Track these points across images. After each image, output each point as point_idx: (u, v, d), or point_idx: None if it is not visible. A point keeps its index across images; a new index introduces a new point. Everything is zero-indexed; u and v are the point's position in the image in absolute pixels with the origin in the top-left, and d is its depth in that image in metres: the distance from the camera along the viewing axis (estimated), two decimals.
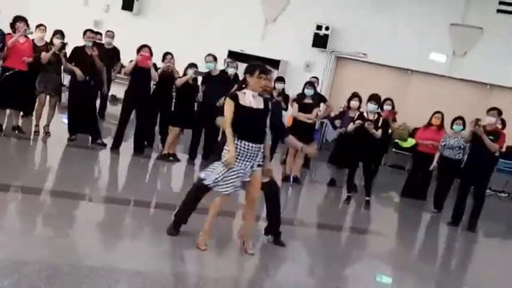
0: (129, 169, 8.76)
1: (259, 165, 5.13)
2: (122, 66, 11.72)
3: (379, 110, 8.66)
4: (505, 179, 11.77)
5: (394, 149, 12.52)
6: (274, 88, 9.27)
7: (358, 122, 8.32)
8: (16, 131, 8.83)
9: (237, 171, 4.99)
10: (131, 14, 16.14)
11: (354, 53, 14.40)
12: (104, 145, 9.11)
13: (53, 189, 6.66)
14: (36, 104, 9.10)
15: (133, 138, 9.22)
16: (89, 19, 15.09)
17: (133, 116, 9.23)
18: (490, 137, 8.10)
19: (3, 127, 8.73)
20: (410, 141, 11.23)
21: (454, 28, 13.64)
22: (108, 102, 12.41)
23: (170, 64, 9.20)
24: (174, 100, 9.51)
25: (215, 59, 9.30)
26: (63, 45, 8.86)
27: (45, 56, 8.70)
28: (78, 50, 8.89)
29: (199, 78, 9.41)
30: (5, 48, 8.32)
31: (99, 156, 8.87)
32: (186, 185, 8.52)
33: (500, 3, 13.43)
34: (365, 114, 8.43)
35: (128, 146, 9.19)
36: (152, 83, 9.44)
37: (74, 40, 9.27)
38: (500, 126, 9.08)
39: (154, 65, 9.10)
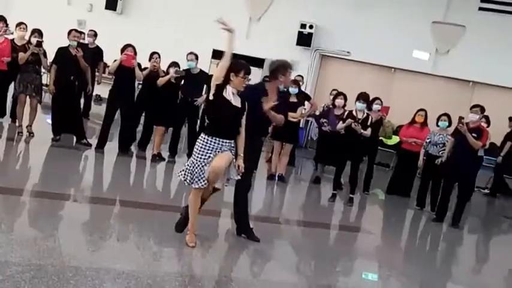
0: (114, 169, 8.72)
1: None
2: (106, 65, 11.67)
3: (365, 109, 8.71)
4: (488, 176, 11.91)
5: (379, 147, 12.59)
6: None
7: (349, 121, 8.35)
8: None
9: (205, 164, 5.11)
10: (115, 14, 16.08)
11: (337, 51, 14.50)
12: (89, 145, 9.06)
13: (36, 189, 6.63)
14: (18, 105, 9.04)
15: (118, 138, 9.19)
16: (73, 19, 15.00)
17: (117, 115, 9.21)
18: (473, 134, 8.18)
19: None
20: (395, 139, 11.31)
21: (437, 26, 13.78)
22: (92, 102, 12.34)
23: (156, 64, 9.19)
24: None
25: (196, 57, 9.35)
26: (39, 43, 8.77)
27: (22, 56, 8.65)
28: (62, 50, 8.83)
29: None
30: None
31: (84, 156, 8.83)
32: (170, 184, 8.58)
33: (482, 1, 13.60)
34: (354, 113, 8.46)
35: (112, 146, 9.16)
36: (137, 82, 9.43)
37: (58, 40, 9.22)
38: (485, 124, 9.20)
39: (139, 64, 9.07)
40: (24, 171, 7.69)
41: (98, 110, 12.41)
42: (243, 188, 5.69)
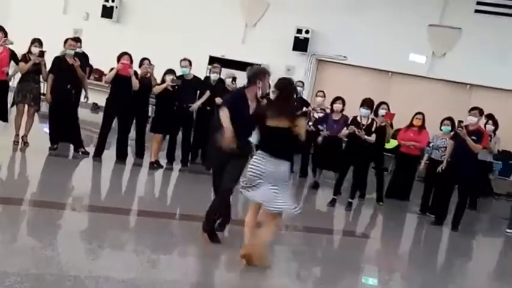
0: (112, 177, 8.71)
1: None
2: (91, 70, 11.54)
3: (371, 115, 8.68)
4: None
5: None
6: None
7: (352, 128, 8.33)
8: None
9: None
10: (111, 22, 16.08)
11: (334, 56, 14.51)
12: (87, 153, 9.05)
13: (34, 198, 6.60)
14: (15, 114, 9.01)
15: (115, 146, 9.17)
16: (69, 27, 14.98)
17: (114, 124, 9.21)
18: (473, 137, 8.16)
19: None
20: (393, 142, 11.30)
21: (433, 29, 13.80)
22: (89, 110, 12.34)
23: (147, 67, 9.19)
24: (154, 107, 9.52)
25: (190, 63, 9.37)
26: (42, 53, 8.78)
27: (23, 67, 8.65)
28: (58, 60, 8.82)
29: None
30: None
31: (82, 165, 8.81)
32: (168, 190, 8.56)
33: (478, 3, 13.62)
34: (358, 119, 8.45)
35: (110, 154, 9.14)
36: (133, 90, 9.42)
37: (54, 49, 9.20)
38: (492, 127, 9.20)
39: (136, 72, 9.07)
40: (22, 180, 7.67)
41: (95, 119, 12.39)
42: (223, 188, 5.62)
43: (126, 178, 8.83)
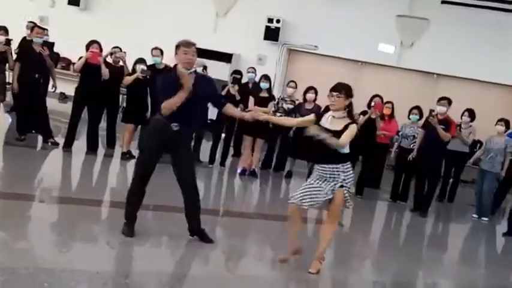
0: (83, 168, 8.58)
1: (341, 186, 5.05)
2: (58, 58, 11.23)
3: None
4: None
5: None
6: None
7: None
8: None
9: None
10: (78, 9, 15.79)
11: (305, 46, 14.53)
12: (56, 144, 8.89)
13: (3, 191, 6.43)
14: None
15: (86, 137, 9.04)
16: (35, 15, 14.63)
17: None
18: (442, 126, 8.39)
19: None
20: None
21: (401, 19, 13.95)
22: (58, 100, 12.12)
23: (117, 54, 9.05)
24: (125, 97, 9.39)
25: (162, 52, 9.26)
26: (8, 41, 8.58)
27: None
28: (26, 48, 8.58)
29: None
30: None
31: (51, 156, 8.66)
32: None
33: None
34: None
35: (80, 145, 9.01)
36: (103, 79, 9.28)
37: (20, 37, 9.01)
38: (468, 119, 9.38)
39: (106, 61, 8.93)
40: None
41: (63, 108, 12.19)
42: (190, 178, 5.40)
43: (97, 169, 8.72)
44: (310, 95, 9.51)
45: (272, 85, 10.30)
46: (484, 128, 10.87)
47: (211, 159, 9.67)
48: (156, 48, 9.29)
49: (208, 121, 9.27)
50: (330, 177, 5.01)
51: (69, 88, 11.58)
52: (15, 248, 4.57)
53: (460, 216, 9.87)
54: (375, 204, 9.54)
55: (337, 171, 5.00)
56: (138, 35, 13.82)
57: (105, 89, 8.92)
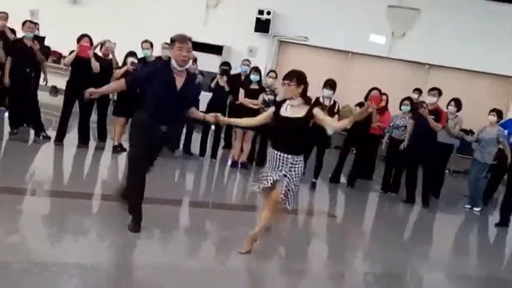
0: (75, 161, 8.58)
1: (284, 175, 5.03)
2: (49, 52, 11.13)
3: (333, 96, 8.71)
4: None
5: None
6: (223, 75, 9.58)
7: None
8: None
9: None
10: (68, 2, 15.73)
11: (295, 37, 14.55)
12: (48, 138, 8.90)
13: None
14: None
15: (77, 130, 9.04)
16: (25, 8, 14.56)
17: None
18: (432, 117, 8.45)
19: None
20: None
21: (392, 10, 13.93)
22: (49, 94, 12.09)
23: (108, 47, 9.03)
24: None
25: (152, 45, 9.29)
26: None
27: None
28: (17, 42, 8.61)
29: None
30: None
31: (43, 150, 8.66)
32: None
33: None
34: (321, 100, 8.53)
35: (72, 138, 9.01)
36: (93, 72, 9.27)
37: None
38: (455, 108, 9.39)
39: (96, 55, 8.92)
40: None
41: (54, 102, 12.16)
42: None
43: (89, 162, 8.72)
44: None
45: (262, 77, 10.29)
46: (475, 118, 10.98)
47: (202, 152, 9.70)
48: (146, 41, 9.32)
49: None
50: (280, 166, 5.01)
51: (60, 81, 11.55)
52: (7, 242, 4.59)
53: (451, 206, 9.95)
54: (366, 196, 9.59)
55: (288, 161, 5.00)
56: (128, 28, 13.78)
57: (96, 82, 8.87)
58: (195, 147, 9.71)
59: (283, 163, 4.99)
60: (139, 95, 8.93)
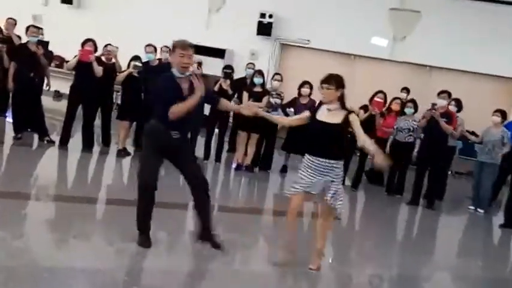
0: (79, 166, 8.59)
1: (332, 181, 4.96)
2: (52, 56, 11.15)
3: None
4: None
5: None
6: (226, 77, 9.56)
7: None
8: None
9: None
10: (71, 7, 15.73)
11: (297, 40, 14.57)
12: (52, 142, 8.92)
13: (0, 189, 6.47)
14: None
15: (81, 134, 9.05)
16: (27, 14, 14.58)
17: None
18: (443, 119, 8.49)
19: None
20: None
21: (394, 12, 13.94)
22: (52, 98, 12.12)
23: (110, 51, 9.06)
24: (119, 94, 9.41)
25: (155, 49, 9.33)
26: (3, 40, 8.59)
27: None
28: (22, 47, 8.64)
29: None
30: None
31: (48, 154, 8.69)
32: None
33: None
34: None
35: (76, 143, 9.02)
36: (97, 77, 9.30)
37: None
38: (455, 109, 9.36)
39: (99, 59, 8.93)
40: None
41: (58, 106, 12.18)
42: (203, 183, 5.25)
43: (93, 166, 8.73)
44: (305, 90, 9.53)
45: (266, 80, 10.32)
46: (477, 119, 10.95)
47: (206, 155, 9.70)
48: (149, 45, 9.37)
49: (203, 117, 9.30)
50: (325, 171, 4.93)
51: (63, 86, 11.60)
52: (13, 247, 4.60)
53: (455, 208, 9.94)
54: (370, 198, 9.58)
55: (333, 167, 4.94)
56: (131, 32, 13.79)
57: (99, 87, 8.93)
58: (199, 151, 9.71)
59: (325, 169, 4.91)
60: (144, 99, 9.09)
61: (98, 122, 9.45)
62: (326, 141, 4.93)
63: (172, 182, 7.04)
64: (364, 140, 4.98)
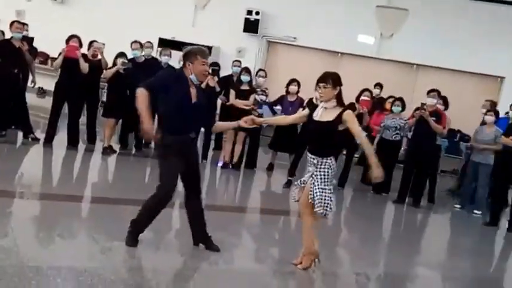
0: (64, 164, 8.52)
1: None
2: (36, 53, 11.03)
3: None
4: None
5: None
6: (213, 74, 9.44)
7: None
8: None
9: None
10: (56, 3, 15.55)
11: (284, 37, 14.56)
12: (37, 140, 8.82)
13: None
14: None
15: (66, 132, 8.96)
16: (11, 9, 14.41)
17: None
18: (433, 118, 8.51)
19: None
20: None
21: (381, 10, 13.99)
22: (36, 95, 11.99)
23: (96, 49, 8.98)
24: (105, 91, 9.33)
25: (141, 46, 9.25)
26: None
27: None
28: (5, 42, 8.53)
29: None
30: None
31: (32, 152, 8.59)
32: (122, 176, 8.43)
33: None
34: (314, 101, 8.49)
35: (61, 140, 8.93)
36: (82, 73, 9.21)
37: None
38: (442, 107, 9.38)
39: (85, 55, 8.85)
40: None
41: (42, 103, 12.05)
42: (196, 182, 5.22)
43: (78, 164, 8.66)
44: (293, 87, 9.50)
45: (252, 77, 10.29)
46: (464, 118, 11.03)
47: None
48: (135, 41, 9.31)
49: None
50: (309, 166, 4.99)
51: (47, 83, 11.47)
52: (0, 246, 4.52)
53: (442, 206, 9.97)
54: (358, 196, 9.59)
55: (320, 163, 4.91)
56: (116, 28, 13.66)
57: (84, 84, 8.84)
58: None
59: (310, 164, 4.95)
60: (130, 96, 9.01)
61: (83, 119, 9.36)
62: (315, 138, 4.96)
63: (156, 180, 6.99)
64: (359, 136, 5.05)
